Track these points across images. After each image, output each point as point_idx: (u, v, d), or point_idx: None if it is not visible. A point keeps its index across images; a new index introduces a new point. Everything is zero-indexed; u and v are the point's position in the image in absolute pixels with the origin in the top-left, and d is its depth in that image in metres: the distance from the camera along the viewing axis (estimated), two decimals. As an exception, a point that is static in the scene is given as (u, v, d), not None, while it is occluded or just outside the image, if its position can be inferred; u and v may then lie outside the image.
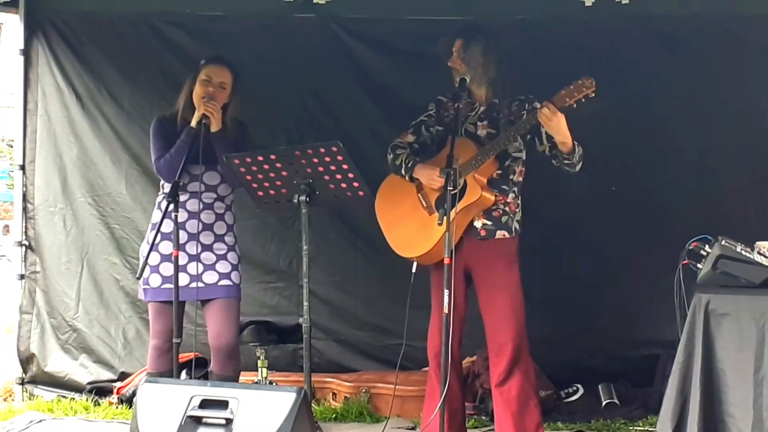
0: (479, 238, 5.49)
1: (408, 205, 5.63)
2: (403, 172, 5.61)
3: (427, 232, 5.46)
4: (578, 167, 5.46)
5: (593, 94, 5.15)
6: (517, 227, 5.57)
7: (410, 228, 5.58)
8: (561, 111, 5.20)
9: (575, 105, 5.18)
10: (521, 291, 5.49)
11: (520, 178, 5.60)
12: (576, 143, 5.35)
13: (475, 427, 6.36)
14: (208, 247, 5.66)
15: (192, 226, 5.62)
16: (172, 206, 5.29)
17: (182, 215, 5.53)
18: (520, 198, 5.60)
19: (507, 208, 5.52)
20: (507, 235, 5.52)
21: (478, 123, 5.60)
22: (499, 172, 5.51)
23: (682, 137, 6.96)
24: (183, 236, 5.53)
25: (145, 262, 5.43)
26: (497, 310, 5.47)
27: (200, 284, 5.58)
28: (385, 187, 5.75)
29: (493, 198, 5.45)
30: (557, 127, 5.24)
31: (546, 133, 5.41)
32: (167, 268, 5.52)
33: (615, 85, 6.56)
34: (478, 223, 5.50)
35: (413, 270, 5.45)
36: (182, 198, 5.53)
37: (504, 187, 5.52)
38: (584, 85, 5.16)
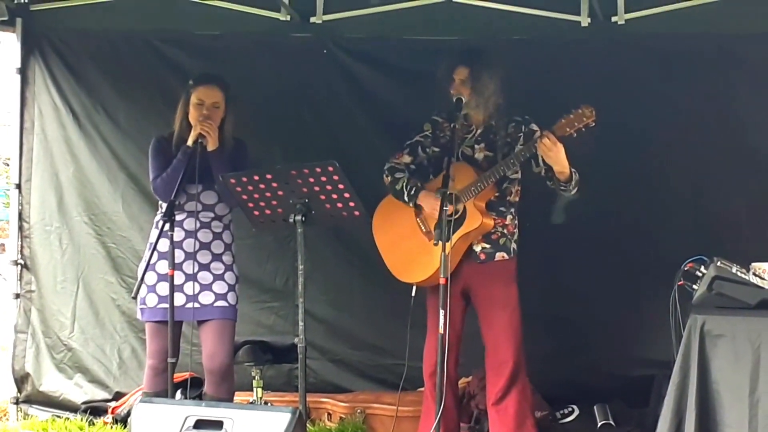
0: (479, 262, 5.52)
1: (406, 228, 5.63)
2: (406, 198, 5.62)
3: (426, 258, 5.46)
4: (574, 192, 5.48)
5: (593, 123, 5.18)
6: (515, 248, 5.60)
7: (409, 252, 5.58)
8: (560, 140, 5.21)
9: (575, 134, 5.19)
10: (519, 310, 5.51)
11: (516, 198, 5.62)
12: (573, 171, 5.36)
13: (471, 448, 6.36)
14: (205, 267, 5.65)
15: (189, 245, 5.61)
16: (167, 226, 5.30)
17: (179, 234, 5.55)
18: (517, 218, 5.62)
19: (505, 230, 5.55)
20: (506, 256, 5.55)
21: (475, 146, 5.62)
22: (496, 194, 5.52)
23: (678, 157, 6.95)
24: (180, 255, 5.54)
25: (141, 281, 5.42)
26: (497, 330, 5.49)
27: (196, 305, 5.57)
28: (382, 209, 5.77)
29: (492, 223, 5.48)
30: (556, 157, 5.26)
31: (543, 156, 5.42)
32: (164, 288, 5.52)
33: (610, 104, 6.56)
34: (477, 248, 5.52)
35: (413, 294, 5.46)
36: (179, 217, 5.55)
37: (502, 209, 5.54)
38: (584, 114, 5.17)
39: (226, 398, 5.60)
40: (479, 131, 5.63)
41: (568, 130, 5.20)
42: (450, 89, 5.55)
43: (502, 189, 5.54)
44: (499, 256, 5.53)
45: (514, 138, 5.52)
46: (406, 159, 5.72)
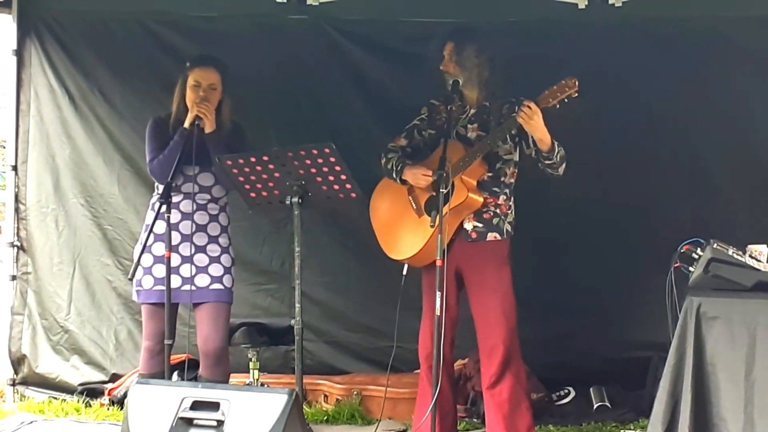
0: (470, 241, 5.51)
1: (399, 207, 5.65)
2: (393, 175, 5.65)
3: (416, 235, 5.48)
4: (561, 169, 5.49)
5: (576, 94, 5.21)
6: (509, 229, 5.58)
7: (401, 230, 5.60)
8: (543, 111, 5.25)
9: (558, 105, 5.22)
10: (512, 293, 5.51)
11: (512, 180, 5.62)
12: (556, 143, 5.38)
13: (467, 430, 6.35)
14: (201, 249, 5.65)
15: (185, 227, 5.61)
16: (164, 207, 5.30)
17: (176, 216, 5.54)
18: (512, 199, 5.61)
19: (498, 210, 5.54)
20: (498, 237, 5.53)
21: (469, 126, 5.62)
22: (489, 174, 5.52)
23: (674, 140, 6.96)
24: (176, 237, 5.53)
25: (137, 263, 5.42)
26: (488, 313, 5.48)
27: (192, 287, 5.57)
28: (378, 191, 5.78)
29: (481, 199, 5.47)
30: (536, 125, 5.28)
31: (532, 136, 5.43)
32: (160, 270, 5.53)
33: (608, 87, 6.59)
34: (468, 225, 5.51)
35: (404, 272, 5.47)
36: (176, 199, 5.54)
37: (495, 189, 5.53)
38: (567, 85, 5.22)
39: (221, 381, 5.59)
40: (473, 112, 5.64)
41: (551, 101, 5.24)
42: (441, 68, 5.56)
43: (496, 169, 5.54)
44: (491, 236, 5.52)
45: (507, 119, 5.52)
46: (402, 142, 5.76)
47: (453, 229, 5.45)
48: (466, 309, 5.59)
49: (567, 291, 6.94)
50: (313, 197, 5.19)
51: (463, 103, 5.65)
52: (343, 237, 7.22)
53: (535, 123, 5.26)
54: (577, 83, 5.18)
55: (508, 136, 5.49)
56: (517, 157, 5.62)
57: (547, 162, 5.46)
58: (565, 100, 5.22)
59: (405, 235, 5.55)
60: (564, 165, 5.49)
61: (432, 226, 5.04)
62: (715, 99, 6.89)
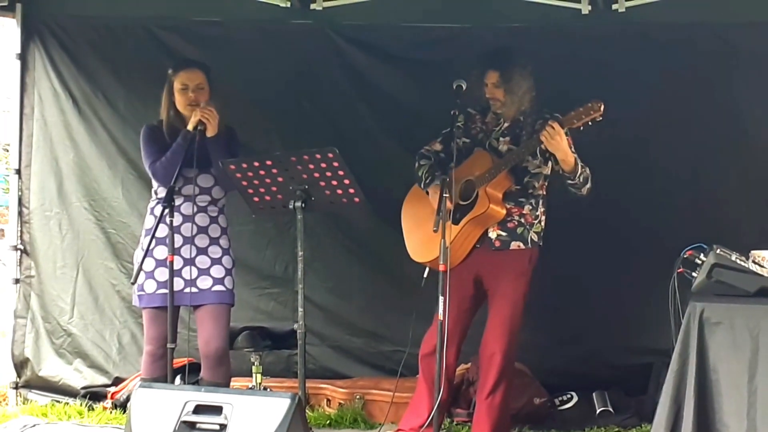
0: (494, 249, 5.58)
1: (428, 211, 5.68)
2: (422, 185, 5.76)
3: (438, 239, 5.50)
4: (584, 190, 5.57)
5: (600, 118, 5.27)
6: (534, 238, 5.66)
7: (424, 234, 5.62)
8: (567, 132, 5.33)
9: (582, 128, 5.27)
10: (522, 304, 5.58)
11: (541, 192, 5.71)
12: (580, 165, 5.42)
13: (469, 435, 6.37)
14: (202, 251, 5.65)
15: (187, 229, 5.61)
16: (167, 211, 5.30)
17: (177, 219, 5.54)
18: (540, 209, 5.70)
19: (523, 220, 5.62)
20: (522, 246, 5.62)
21: (501, 138, 5.73)
22: (517, 186, 5.59)
23: (677, 145, 6.95)
24: (178, 240, 5.55)
25: (140, 268, 5.42)
26: (493, 320, 5.59)
27: (194, 289, 5.58)
28: (411, 194, 5.91)
29: (503, 211, 5.53)
30: (558, 145, 5.35)
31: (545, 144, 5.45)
32: (162, 274, 5.53)
33: (610, 92, 6.54)
34: (492, 234, 5.60)
35: (425, 275, 5.48)
36: (177, 202, 5.54)
37: (521, 199, 5.62)
38: (593, 108, 5.30)
39: (223, 383, 5.60)
40: (506, 125, 5.72)
41: (575, 122, 5.34)
42: (485, 94, 5.64)
43: (524, 183, 5.62)
44: (515, 245, 5.59)
45: (536, 134, 5.56)
46: (437, 147, 5.85)
47: (476, 238, 5.53)
48: (478, 316, 5.62)
49: (569, 296, 6.93)
50: (316, 202, 5.20)
51: (498, 116, 5.69)
52: (347, 241, 7.22)
53: (556, 143, 5.33)
54: (602, 107, 5.25)
55: (538, 151, 5.56)
56: (548, 171, 5.68)
57: (569, 182, 5.52)
58: (589, 123, 5.27)
59: (428, 239, 5.56)
60: (588, 186, 5.58)
61: (434, 230, 5.05)
62: (719, 104, 6.89)
